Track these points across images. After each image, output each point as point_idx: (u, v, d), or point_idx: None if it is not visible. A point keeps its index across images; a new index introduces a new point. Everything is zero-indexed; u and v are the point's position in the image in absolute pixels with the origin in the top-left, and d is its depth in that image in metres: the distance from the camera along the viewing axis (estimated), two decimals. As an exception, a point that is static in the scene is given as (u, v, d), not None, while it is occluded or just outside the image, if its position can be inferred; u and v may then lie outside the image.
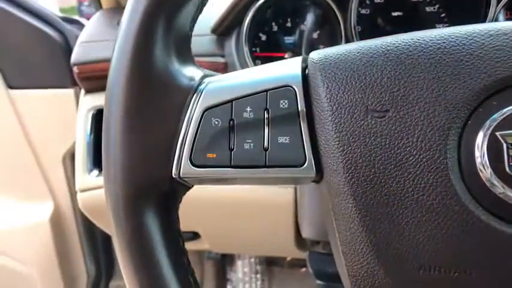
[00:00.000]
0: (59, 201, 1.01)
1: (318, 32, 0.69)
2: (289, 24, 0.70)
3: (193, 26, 0.31)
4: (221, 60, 0.67)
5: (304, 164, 0.28)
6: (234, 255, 1.24)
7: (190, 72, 0.30)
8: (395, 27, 0.67)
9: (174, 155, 0.28)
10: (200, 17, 0.70)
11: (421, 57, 0.26)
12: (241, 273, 1.26)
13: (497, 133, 0.24)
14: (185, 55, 0.31)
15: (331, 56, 0.28)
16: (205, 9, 0.72)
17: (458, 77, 0.25)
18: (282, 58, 0.70)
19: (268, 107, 0.28)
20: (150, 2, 0.27)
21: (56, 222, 1.01)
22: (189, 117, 0.29)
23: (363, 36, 0.66)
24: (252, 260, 1.25)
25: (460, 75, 0.25)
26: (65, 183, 0.98)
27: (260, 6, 0.64)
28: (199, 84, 0.30)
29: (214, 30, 0.67)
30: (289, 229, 0.66)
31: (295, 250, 0.72)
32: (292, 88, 0.28)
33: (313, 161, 0.28)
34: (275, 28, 0.70)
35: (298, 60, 0.30)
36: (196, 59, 0.68)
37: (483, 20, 0.63)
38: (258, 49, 0.71)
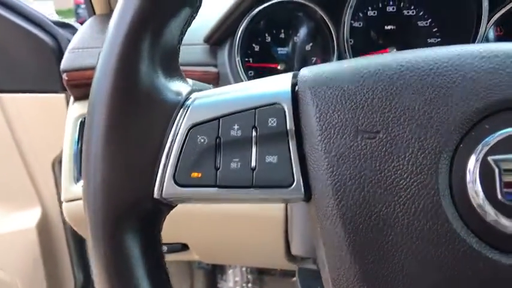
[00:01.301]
0: (48, 208, 0.99)
1: (311, 44, 0.69)
2: (282, 36, 0.69)
3: (181, 39, 0.30)
4: (214, 70, 0.66)
5: (292, 184, 0.27)
6: (224, 264, 1.22)
7: (177, 87, 0.29)
8: (388, 40, 0.67)
9: (157, 174, 0.27)
10: (193, 26, 0.69)
11: (412, 77, 0.26)
12: (232, 282, 1.25)
13: (489, 158, 0.24)
14: (173, 69, 0.30)
15: (321, 74, 0.28)
16: (198, 17, 0.71)
17: (450, 99, 0.25)
18: (275, 69, 0.70)
19: (256, 125, 0.27)
20: (136, 15, 0.27)
21: (43, 228, 1.00)
22: (173, 134, 0.28)
23: (355, 50, 0.66)
24: (244, 269, 1.24)
25: (453, 98, 0.25)
26: (54, 189, 0.96)
27: (253, 17, 0.64)
28: (186, 99, 0.29)
29: (207, 40, 0.66)
30: (280, 243, 0.65)
31: (285, 263, 0.71)
32: (281, 106, 0.28)
33: (301, 182, 0.27)
34: (268, 39, 0.70)
35: (288, 77, 0.30)
36: (188, 68, 0.68)
37: (474, 35, 0.63)
38: (251, 59, 0.70)
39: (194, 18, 0.30)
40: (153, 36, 0.27)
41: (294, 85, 0.29)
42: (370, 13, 0.68)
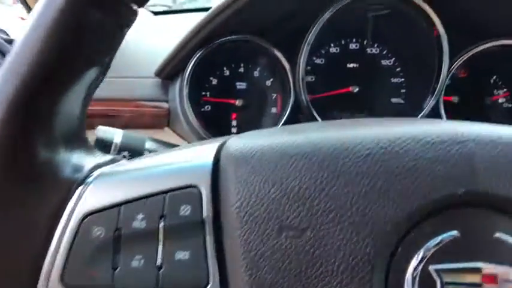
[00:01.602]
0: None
1: (271, 79, 0.66)
2: (241, 70, 0.66)
3: (87, 103, 0.26)
4: (165, 105, 0.61)
5: (207, 286, 0.23)
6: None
7: (80, 161, 0.25)
8: (350, 79, 0.65)
9: (41, 273, 0.22)
10: (144, 58, 0.64)
11: (346, 163, 0.22)
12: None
13: (430, 267, 0.20)
14: (75, 139, 0.25)
15: (248, 150, 0.24)
16: (150, 49, 0.66)
17: (387, 194, 0.21)
18: (233, 105, 0.66)
19: (165, 213, 0.23)
20: (30, 75, 0.22)
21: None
22: (64, 224, 0.23)
23: (315, 88, 0.63)
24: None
25: (390, 192, 0.21)
26: None
27: (206, 52, 0.60)
28: (87, 176, 0.24)
29: (158, 73, 0.61)
30: None
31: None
32: (198, 189, 0.23)
33: (218, 283, 0.23)
34: (227, 73, 0.66)
35: (212, 148, 0.25)
36: (139, 103, 0.62)
37: (437, 75, 0.60)
38: (208, 94, 0.66)
39: (102, 80, 0.26)
40: (50, 101, 0.23)
41: (217, 158, 0.25)
42: (333, 50, 0.65)
